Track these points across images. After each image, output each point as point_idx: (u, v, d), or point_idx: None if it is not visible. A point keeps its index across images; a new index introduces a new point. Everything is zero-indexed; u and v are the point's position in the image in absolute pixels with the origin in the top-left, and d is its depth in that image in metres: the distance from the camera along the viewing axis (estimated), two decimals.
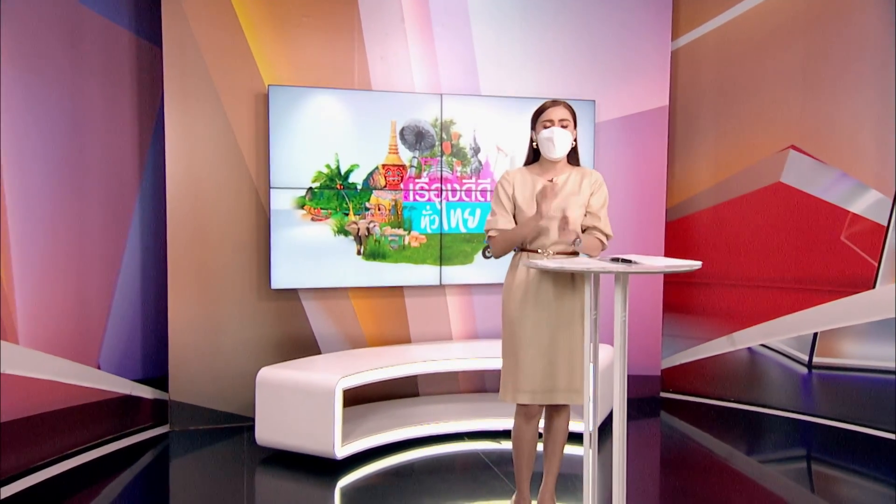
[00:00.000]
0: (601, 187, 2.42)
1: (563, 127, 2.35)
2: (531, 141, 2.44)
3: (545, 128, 2.35)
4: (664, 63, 4.24)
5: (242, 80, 3.62)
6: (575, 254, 2.39)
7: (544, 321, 2.33)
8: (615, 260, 2.06)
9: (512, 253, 2.46)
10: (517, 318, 2.35)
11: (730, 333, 4.33)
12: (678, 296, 4.46)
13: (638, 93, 4.21)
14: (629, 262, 2.02)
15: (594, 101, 4.08)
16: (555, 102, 2.38)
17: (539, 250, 2.38)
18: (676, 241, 4.44)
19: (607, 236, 2.40)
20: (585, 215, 2.40)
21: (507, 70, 4.01)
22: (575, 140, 2.40)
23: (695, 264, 1.98)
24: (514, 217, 2.42)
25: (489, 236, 2.44)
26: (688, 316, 4.47)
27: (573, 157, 2.44)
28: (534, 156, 2.45)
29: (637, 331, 4.21)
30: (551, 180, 2.36)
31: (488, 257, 3.88)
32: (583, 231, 2.41)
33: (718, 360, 4.39)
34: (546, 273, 2.26)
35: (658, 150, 4.27)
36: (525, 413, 2.38)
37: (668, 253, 4.36)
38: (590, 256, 2.35)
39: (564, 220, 2.24)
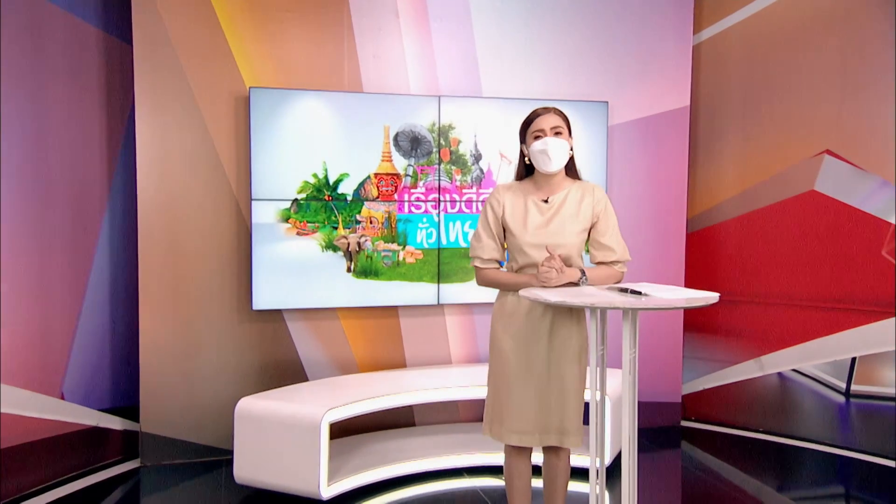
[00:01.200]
0: (606, 207, 2.38)
1: (556, 135, 2.31)
2: (521, 155, 2.41)
3: (536, 139, 2.31)
4: (685, 59, 4.21)
5: (221, 81, 3.62)
6: (576, 284, 2.35)
7: (537, 355, 2.29)
8: (624, 291, 2.04)
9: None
10: (506, 350, 2.32)
11: (758, 357, 4.30)
12: (701, 314, 4.43)
13: (655, 92, 4.19)
14: (639, 293, 2.00)
15: (607, 102, 4.07)
16: (544, 109, 2.34)
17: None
18: (698, 254, 4.42)
19: (624, 262, 2.37)
20: (591, 243, 2.37)
21: (511, 69, 4.00)
22: (571, 149, 2.37)
23: (711, 296, 1.96)
24: (505, 239, 2.39)
25: (474, 265, 2.41)
26: (711, 337, 4.44)
27: (571, 170, 2.41)
28: (526, 170, 2.42)
29: (655, 352, 4.20)
30: (546, 200, 2.33)
31: None
32: (595, 263, 2.38)
33: (746, 386, 4.35)
34: None
35: (678, 155, 4.25)
36: (515, 449, 2.37)
37: (690, 268, 4.34)
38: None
39: (555, 263, 2.17)
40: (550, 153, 2.29)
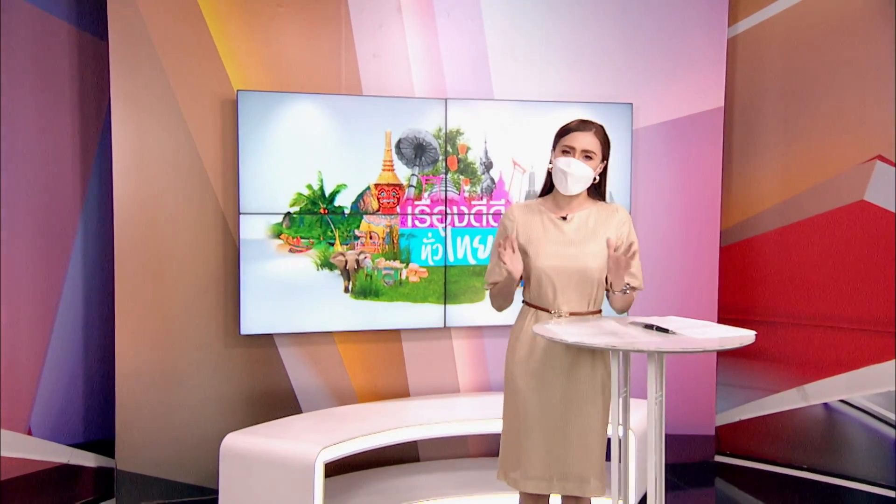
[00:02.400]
0: (630, 230, 2.40)
1: (585, 158, 2.31)
2: (547, 173, 2.42)
3: (564, 154, 2.33)
4: (718, 54, 4.19)
5: (206, 82, 3.62)
6: (598, 312, 2.37)
7: (555, 394, 2.31)
8: (648, 328, 2.03)
9: (520, 297, 2.44)
10: (521, 388, 2.34)
11: (801, 385, 4.26)
12: None
13: (686, 92, 4.17)
14: (666, 331, 2.00)
15: (632, 104, 4.05)
16: (584, 125, 2.34)
17: (549, 310, 2.35)
18: (734, 271, 4.39)
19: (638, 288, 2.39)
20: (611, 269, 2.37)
21: (526, 68, 3.99)
22: (600, 175, 2.38)
23: (746, 336, 1.97)
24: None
25: (486, 287, 2.46)
26: (749, 362, 4.41)
27: (595, 191, 2.42)
28: (550, 184, 2.43)
29: (685, 379, 4.18)
30: (564, 218, 2.34)
31: None
32: (607, 291, 2.38)
33: (787, 418, 4.32)
34: None
35: (711, 161, 4.23)
36: (532, 496, 2.39)
37: (724, 286, 4.31)
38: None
39: (621, 260, 2.20)
40: (570, 177, 2.30)
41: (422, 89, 3.89)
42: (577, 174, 2.30)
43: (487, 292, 2.47)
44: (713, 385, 4.31)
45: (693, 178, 4.22)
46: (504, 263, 2.27)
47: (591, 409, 2.30)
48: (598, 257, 2.32)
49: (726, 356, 4.41)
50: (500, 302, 2.43)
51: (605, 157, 2.37)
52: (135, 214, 3.58)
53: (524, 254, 2.36)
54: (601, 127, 2.38)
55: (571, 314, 2.33)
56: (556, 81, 4.02)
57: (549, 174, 2.41)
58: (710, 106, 4.19)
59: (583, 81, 4.05)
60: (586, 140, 2.32)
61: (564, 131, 2.36)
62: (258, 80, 3.69)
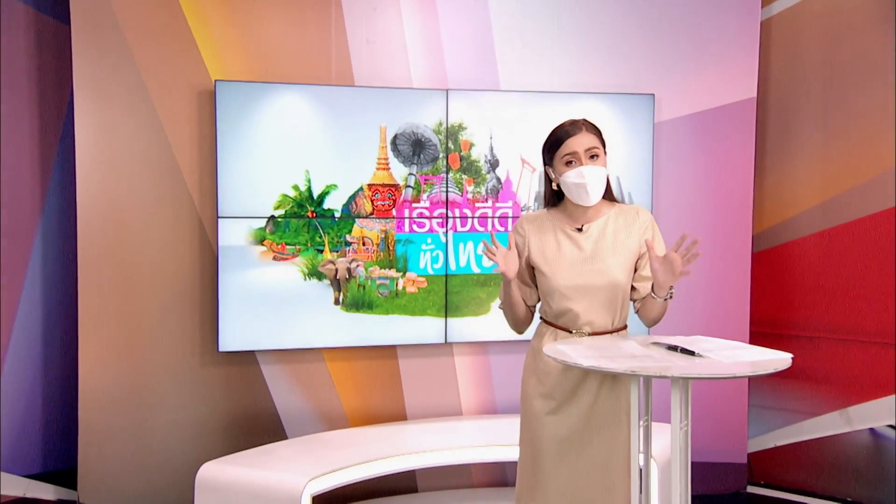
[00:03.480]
0: (655, 232, 2.40)
1: (592, 158, 2.30)
2: (547, 179, 2.41)
3: (568, 165, 2.30)
4: (750, 39, 4.17)
5: (181, 72, 3.61)
6: (623, 328, 2.38)
7: (575, 420, 2.32)
8: (672, 349, 2.02)
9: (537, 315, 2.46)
10: (539, 411, 2.35)
11: (844, 408, 4.23)
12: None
13: (714, 81, 4.15)
14: (692, 353, 1.99)
15: (653, 94, 4.04)
16: (572, 126, 2.32)
17: (570, 329, 2.34)
18: (768, 279, 4.36)
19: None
20: (636, 277, 2.39)
21: (536, 56, 3.98)
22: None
23: (782, 359, 1.97)
24: (536, 281, 2.42)
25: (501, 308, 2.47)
26: (785, 382, 4.37)
27: (606, 191, 2.41)
28: (554, 196, 2.42)
29: (713, 401, 4.16)
30: (580, 229, 2.33)
31: None
32: (633, 300, 2.40)
33: (828, 444, 4.28)
34: None
35: (742, 157, 4.21)
36: None
37: (757, 296, 4.29)
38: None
39: (675, 261, 2.21)
40: (589, 185, 2.29)
41: (420, 79, 3.87)
42: (594, 180, 2.29)
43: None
44: (745, 407, 4.28)
45: (722, 177, 4.20)
46: (494, 261, 2.28)
47: (617, 433, 2.31)
48: (622, 269, 2.32)
49: (760, 378, 4.36)
50: (510, 315, 2.43)
51: (605, 148, 2.36)
52: (100, 218, 3.56)
53: (539, 272, 2.37)
54: (585, 119, 2.36)
55: (594, 333, 2.33)
56: (569, 70, 4.01)
57: (550, 189, 2.41)
58: (741, 96, 4.17)
59: (599, 70, 4.03)
60: (584, 140, 2.30)
61: (556, 140, 2.33)
62: (238, 69, 3.67)
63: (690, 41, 4.12)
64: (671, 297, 2.27)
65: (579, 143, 2.29)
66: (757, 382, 4.37)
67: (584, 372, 2.28)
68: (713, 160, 4.19)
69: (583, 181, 2.27)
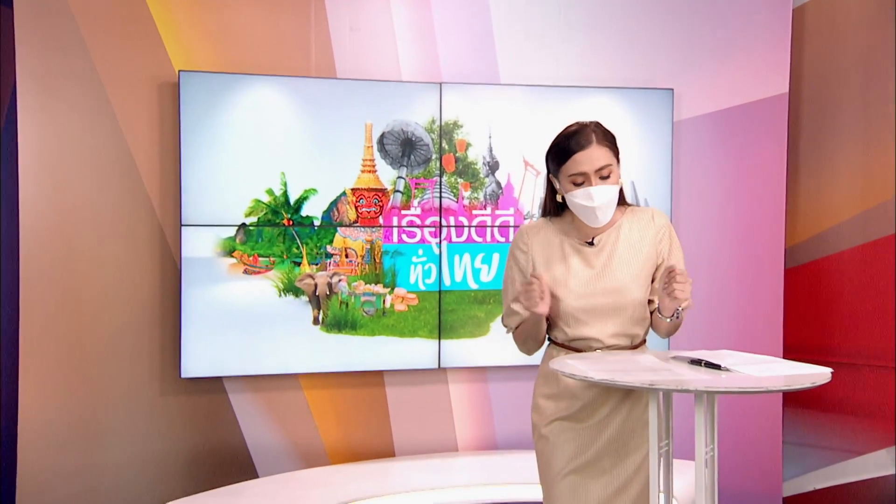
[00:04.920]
0: (672, 239, 2.38)
1: (604, 178, 2.26)
2: (550, 186, 2.39)
3: (576, 185, 2.27)
4: (782, 28, 4.19)
5: (140, 61, 3.63)
6: (641, 343, 2.37)
7: (596, 442, 2.31)
8: (696, 363, 2.01)
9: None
10: (549, 438, 2.35)
11: (892, 445, 4.19)
12: None
13: (740, 75, 4.17)
14: (717, 367, 1.97)
15: (672, 89, 4.07)
16: (581, 138, 2.26)
17: (585, 352, 2.33)
18: (803, 299, 4.35)
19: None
20: (652, 290, 2.37)
21: (540, 46, 4.01)
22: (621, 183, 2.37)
23: (821, 373, 1.93)
24: None
25: (508, 332, 2.49)
26: (823, 415, 4.36)
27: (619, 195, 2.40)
28: (556, 205, 2.40)
29: (743, 436, 4.15)
30: (591, 242, 2.33)
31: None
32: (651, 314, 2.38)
33: (875, 487, 4.25)
34: None
35: (773, 160, 4.22)
36: None
37: (791, 318, 4.29)
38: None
39: (673, 280, 2.18)
40: (598, 210, 2.26)
41: (411, 71, 3.89)
42: (603, 203, 2.26)
43: (510, 335, 2.48)
44: (778, 443, 4.27)
45: (750, 184, 4.21)
46: (527, 306, 2.25)
47: (637, 459, 2.31)
48: (638, 284, 2.30)
49: (795, 406, 4.36)
50: (531, 345, 2.43)
51: (618, 158, 2.33)
52: (46, 226, 3.55)
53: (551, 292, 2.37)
54: (598, 125, 2.31)
55: (608, 348, 2.32)
56: (577, 62, 4.02)
57: (551, 195, 2.40)
58: (771, 92, 4.19)
59: (610, 61, 4.05)
60: (595, 156, 2.24)
61: (563, 153, 2.27)
62: (206, 58, 3.69)
63: (714, 30, 4.14)
64: (677, 317, 2.26)
65: (589, 160, 2.23)
66: (792, 416, 4.36)
67: (601, 390, 2.28)
68: (740, 164, 4.19)
69: (592, 204, 2.25)
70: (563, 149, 2.27)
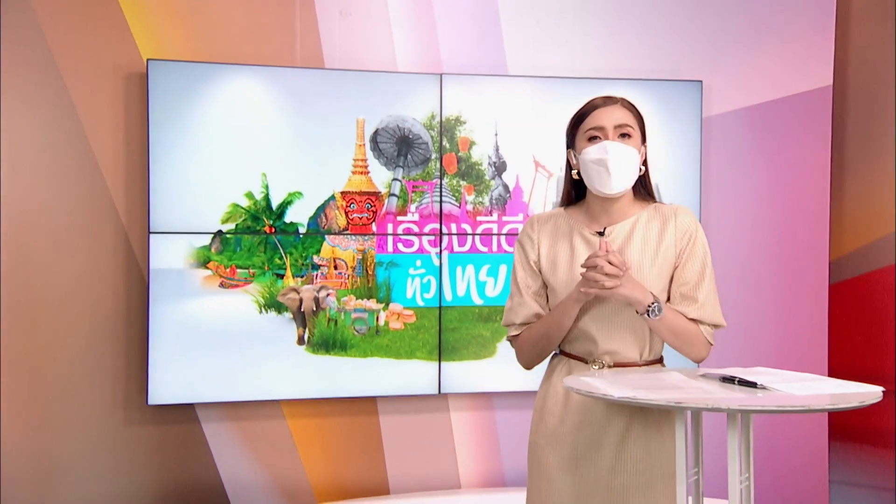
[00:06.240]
0: (695, 238, 2.37)
1: (622, 137, 2.30)
2: (568, 167, 2.41)
3: (591, 141, 2.31)
4: (825, 13, 4.21)
5: (103, 49, 3.64)
6: (657, 362, 2.38)
7: (601, 477, 2.31)
8: (728, 381, 1.99)
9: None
10: (550, 465, 2.35)
11: None
12: (857, 414, 4.29)
13: (778, 66, 4.18)
14: (753, 385, 1.95)
15: (701, 81, 4.07)
16: (607, 99, 2.34)
17: (587, 359, 2.35)
18: (849, 318, 4.33)
19: (715, 326, 2.36)
20: (672, 291, 2.37)
21: (552, 34, 4.02)
22: (645, 160, 2.37)
23: (871, 391, 1.92)
24: (548, 298, 2.42)
25: (510, 336, 2.46)
26: (875, 450, 4.33)
27: (643, 188, 2.42)
28: (575, 192, 2.42)
29: (783, 472, 4.13)
30: (601, 232, 2.32)
31: None
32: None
33: None
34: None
35: (815, 161, 4.23)
36: None
37: (837, 338, 4.27)
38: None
39: (611, 257, 2.16)
40: (611, 164, 2.26)
41: (408, 61, 3.90)
42: (618, 158, 2.26)
43: (512, 340, 2.45)
44: (824, 483, 4.26)
45: (789, 187, 4.21)
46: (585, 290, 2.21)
47: (653, 499, 2.29)
48: (652, 285, 2.28)
49: (843, 439, 4.35)
50: (538, 351, 2.40)
51: (644, 135, 2.37)
52: None
53: (551, 289, 2.38)
54: (626, 99, 2.37)
55: (617, 365, 2.32)
56: (595, 52, 4.03)
57: (570, 178, 2.42)
58: (813, 85, 4.20)
59: (631, 50, 4.06)
60: (616, 114, 2.31)
61: (582, 114, 2.35)
62: (177, 46, 3.70)
63: (747, 14, 4.15)
64: (651, 313, 2.21)
65: (608, 116, 2.29)
66: (839, 450, 4.34)
67: (612, 413, 2.27)
68: (777, 166, 4.20)
69: (605, 157, 2.25)
70: (584, 109, 2.34)
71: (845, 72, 4.33)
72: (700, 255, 2.34)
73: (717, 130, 4.12)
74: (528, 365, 2.44)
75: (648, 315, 2.21)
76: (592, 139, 2.30)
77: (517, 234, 3.82)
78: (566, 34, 4.01)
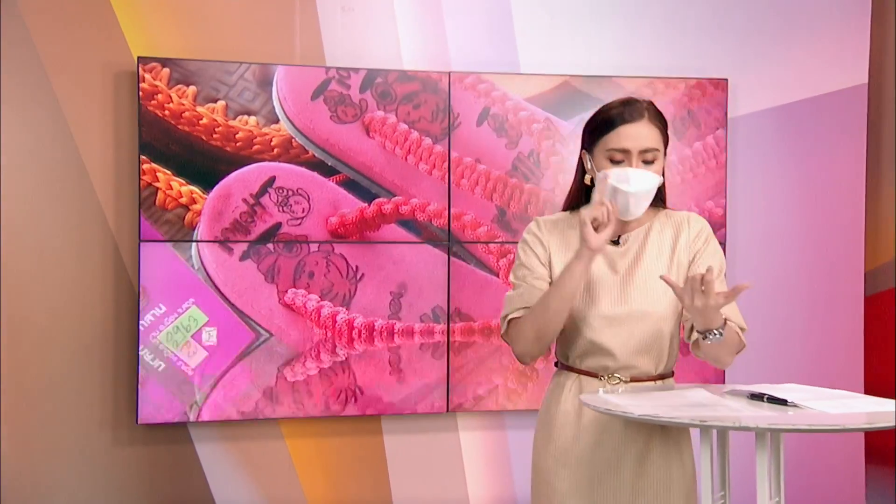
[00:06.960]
0: (708, 243, 2.40)
1: (647, 163, 2.28)
2: (580, 166, 2.41)
3: (613, 161, 2.29)
4: (860, 6, 4.21)
5: (91, 45, 3.65)
6: (668, 376, 2.39)
7: (614, 500, 2.32)
8: (757, 398, 2.00)
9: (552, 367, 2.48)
10: (559, 490, 2.35)
11: None
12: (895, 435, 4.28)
13: (810, 62, 4.19)
14: (783, 402, 1.96)
15: (727, 79, 4.07)
16: (631, 110, 2.29)
17: (600, 375, 2.34)
18: (888, 329, 4.30)
19: (741, 329, 2.35)
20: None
21: (568, 30, 4.03)
22: (662, 170, 2.37)
23: None
24: None
25: (510, 319, 2.38)
26: None
27: (656, 195, 2.40)
28: (584, 194, 2.41)
29: (817, 496, 4.13)
30: (616, 241, 2.35)
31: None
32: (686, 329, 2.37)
33: None
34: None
35: (848, 164, 4.23)
36: None
37: (872, 354, 4.26)
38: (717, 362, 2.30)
39: (701, 282, 2.10)
40: (632, 198, 2.27)
41: (414, 59, 3.91)
42: (640, 191, 2.27)
43: (511, 326, 2.40)
44: None
45: (821, 192, 4.21)
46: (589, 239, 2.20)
47: None
48: (669, 295, 2.27)
49: (881, 462, 4.34)
50: (540, 334, 2.32)
51: (666, 146, 2.36)
52: None
53: None
54: (651, 104, 2.34)
55: (634, 380, 2.33)
56: (614, 49, 4.04)
57: (580, 179, 2.43)
58: (847, 83, 4.20)
59: (652, 47, 4.07)
60: (642, 134, 2.28)
61: (605, 125, 2.31)
62: (170, 43, 3.71)
63: (776, 9, 4.15)
64: (710, 337, 2.15)
65: (636, 137, 2.27)
66: (876, 475, 4.34)
67: (627, 433, 2.28)
68: (809, 169, 4.20)
69: (627, 188, 2.25)
70: (607, 118, 2.30)
71: (881, 70, 4.33)
72: (717, 256, 2.37)
73: (744, 132, 4.12)
74: (525, 352, 2.37)
75: (709, 337, 2.13)
76: (615, 160, 2.28)
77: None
78: (582, 31, 4.02)
